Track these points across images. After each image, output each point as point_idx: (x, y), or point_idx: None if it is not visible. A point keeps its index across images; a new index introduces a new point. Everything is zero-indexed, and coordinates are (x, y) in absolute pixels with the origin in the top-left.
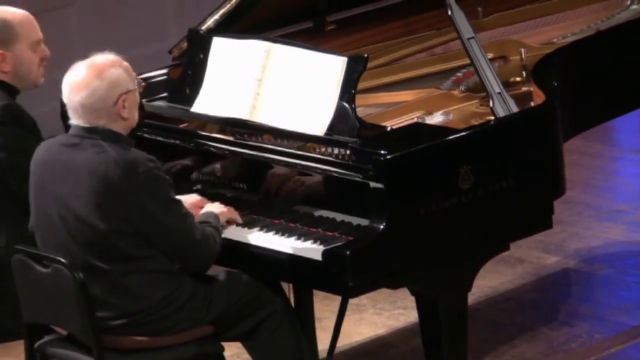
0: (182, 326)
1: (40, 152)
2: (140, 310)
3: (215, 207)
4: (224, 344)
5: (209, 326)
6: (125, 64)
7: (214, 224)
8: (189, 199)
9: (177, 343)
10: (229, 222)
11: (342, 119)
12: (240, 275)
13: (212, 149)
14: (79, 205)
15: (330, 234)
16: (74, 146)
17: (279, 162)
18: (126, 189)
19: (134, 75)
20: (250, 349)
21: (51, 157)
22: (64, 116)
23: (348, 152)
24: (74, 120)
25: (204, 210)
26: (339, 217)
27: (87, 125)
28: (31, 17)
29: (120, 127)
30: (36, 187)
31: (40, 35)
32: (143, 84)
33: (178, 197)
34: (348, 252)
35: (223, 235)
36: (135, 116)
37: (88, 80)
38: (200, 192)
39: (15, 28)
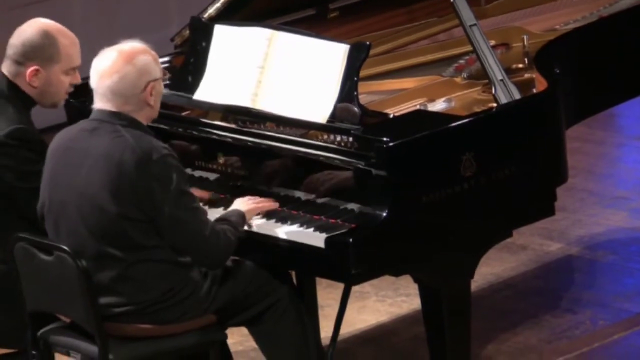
0: (187, 315)
1: (60, 138)
2: (146, 300)
3: (244, 204)
4: (228, 331)
5: (214, 315)
6: (153, 52)
7: (234, 222)
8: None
9: (180, 331)
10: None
11: (345, 107)
12: (246, 263)
13: (214, 136)
14: (93, 190)
15: (333, 221)
16: (91, 131)
17: (281, 150)
18: (139, 175)
19: (160, 65)
20: (255, 335)
21: (68, 144)
22: (68, 105)
23: (350, 139)
24: (98, 105)
25: (232, 207)
26: (342, 204)
27: (111, 108)
28: (77, 42)
29: (144, 117)
30: (52, 173)
31: (79, 62)
32: (168, 75)
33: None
34: (351, 240)
35: None
36: (158, 107)
37: (118, 66)
38: (202, 180)
39: (59, 49)
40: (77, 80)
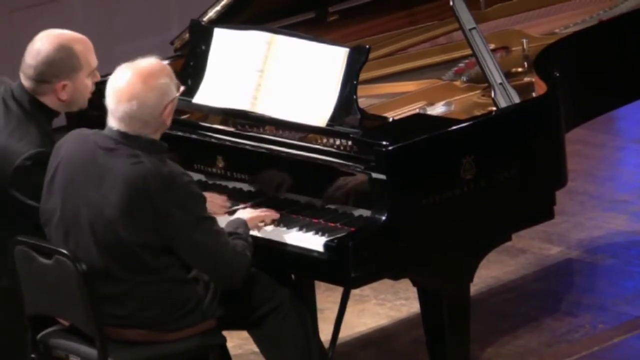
0: (189, 323)
1: (74, 146)
2: (150, 315)
3: (247, 213)
4: (227, 334)
5: (214, 320)
6: (169, 68)
7: (243, 234)
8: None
9: (181, 337)
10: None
11: (344, 110)
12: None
13: (213, 140)
14: (110, 213)
15: (332, 225)
16: (110, 151)
17: (281, 153)
18: (160, 202)
19: (175, 80)
20: (256, 338)
21: (86, 157)
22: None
23: (350, 143)
24: (115, 126)
25: (234, 217)
26: (341, 208)
27: (128, 131)
28: (90, 42)
29: (159, 134)
30: (66, 182)
31: (96, 61)
32: (182, 88)
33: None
34: (350, 243)
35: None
36: (170, 122)
37: (137, 91)
38: (202, 183)
39: (79, 57)
40: (97, 78)
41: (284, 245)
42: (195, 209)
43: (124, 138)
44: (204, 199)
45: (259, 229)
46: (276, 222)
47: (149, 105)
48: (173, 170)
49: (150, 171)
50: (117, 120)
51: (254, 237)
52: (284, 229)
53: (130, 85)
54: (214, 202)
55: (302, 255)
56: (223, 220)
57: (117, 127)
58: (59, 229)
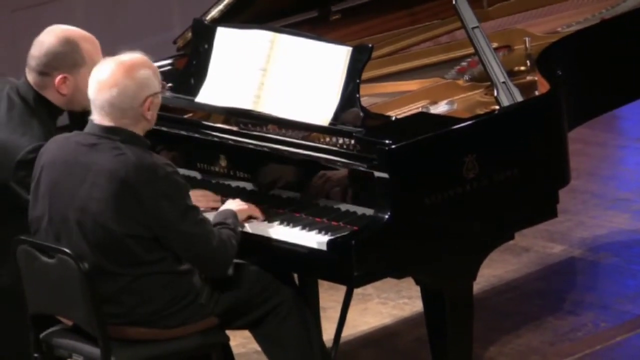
0: (189, 320)
1: (55, 149)
2: (149, 311)
3: (235, 205)
4: (230, 333)
5: (216, 318)
6: (153, 64)
7: (232, 225)
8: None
9: (183, 335)
10: (250, 218)
11: (347, 109)
12: (249, 267)
13: (216, 139)
14: (96, 208)
15: (335, 223)
16: (91, 146)
17: (283, 152)
18: (145, 193)
19: (160, 78)
20: (258, 337)
21: (68, 157)
22: None
23: (353, 141)
24: (95, 118)
25: (223, 208)
26: (344, 206)
27: (108, 124)
28: (97, 42)
29: (140, 129)
30: (51, 186)
31: (102, 59)
32: (168, 86)
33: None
34: (353, 242)
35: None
36: (154, 119)
37: (118, 79)
38: (204, 182)
39: (83, 53)
40: None
41: (286, 244)
42: (181, 199)
43: (105, 132)
44: (187, 188)
45: (247, 222)
46: (279, 221)
47: (128, 94)
48: (156, 161)
49: (133, 163)
50: (97, 110)
51: (256, 236)
52: (287, 227)
53: (112, 74)
54: (206, 198)
55: (304, 254)
56: (212, 214)
57: (97, 121)
58: (49, 234)
